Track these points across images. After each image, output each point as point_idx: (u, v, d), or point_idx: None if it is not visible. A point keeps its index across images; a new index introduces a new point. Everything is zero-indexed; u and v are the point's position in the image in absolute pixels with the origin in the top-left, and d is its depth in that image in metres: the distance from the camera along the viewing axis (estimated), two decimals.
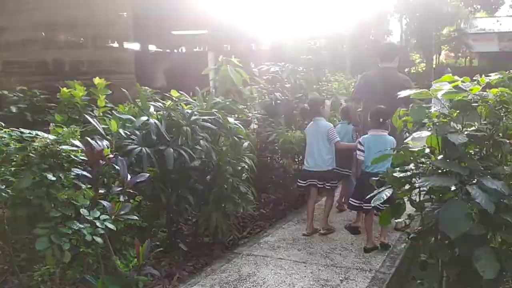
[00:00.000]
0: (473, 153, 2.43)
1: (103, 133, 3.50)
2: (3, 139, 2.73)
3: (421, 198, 2.54)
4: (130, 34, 8.46)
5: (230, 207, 4.39)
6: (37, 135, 2.77)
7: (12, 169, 2.65)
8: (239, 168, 4.43)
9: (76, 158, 2.84)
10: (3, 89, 4.98)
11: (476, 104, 2.32)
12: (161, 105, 4.21)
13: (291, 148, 5.67)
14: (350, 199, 4.69)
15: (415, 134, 2.33)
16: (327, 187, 4.95)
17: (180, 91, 4.58)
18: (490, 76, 2.44)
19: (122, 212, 3.07)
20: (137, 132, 3.84)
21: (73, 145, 2.89)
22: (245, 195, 4.48)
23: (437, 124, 2.33)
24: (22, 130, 2.83)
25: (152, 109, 4.08)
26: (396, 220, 3.15)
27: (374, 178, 2.71)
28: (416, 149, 2.47)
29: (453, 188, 2.22)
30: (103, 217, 2.90)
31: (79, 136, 3.07)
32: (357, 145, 4.67)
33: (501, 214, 2.01)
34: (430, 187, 2.27)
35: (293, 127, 5.97)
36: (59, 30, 6.84)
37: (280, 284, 3.71)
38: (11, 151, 2.68)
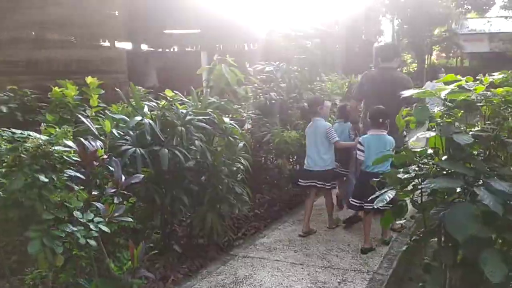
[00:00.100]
0: (476, 154, 2.39)
1: (96, 133, 3.42)
2: None
3: (423, 200, 2.49)
4: (122, 33, 8.36)
5: (225, 208, 4.33)
6: (29, 135, 2.70)
7: (3, 170, 2.57)
8: (235, 168, 4.37)
9: (69, 159, 2.78)
10: None
11: (481, 104, 2.28)
12: (155, 104, 4.15)
13: (286, 148, 5.62)
14: (351, 199, 4.69)
15: (419, 135, 2.28)
16: (327, 187, 4.97)
17: (174, 91, 4.52)
18: (493, 75, 2.41)
19: (116, 214, 3.01)
20: (131, 132, 3.77)
21: (66, 145, 2.82)
22: (241, 196, 4.43)
23: (441, 124, 2.28)
24: (13, 130, 2.75)
25: (146, 109, 4.02)
26: None
27: (375, 179, 2.67)
28: (419, 150, 2.43)
29: (458, 189, 2.17)
30: (97, 219, 2.84)
31: (71, 137, 3.00)
32: (356, 145, 4.70)
33: (508, 216, 1.97)
34: (433, 189, 2.22)
35: (288, 127, 5.92)
36: (50, 28, 6.73)
37: (277, 286, 3.66)
38: (2, 152, 2.60)
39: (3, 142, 2.65)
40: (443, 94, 2.22)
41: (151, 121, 3.80)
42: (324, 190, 5.04)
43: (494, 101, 2.28)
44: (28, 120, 4.55)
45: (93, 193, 3.00)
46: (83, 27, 7.10)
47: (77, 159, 2.83)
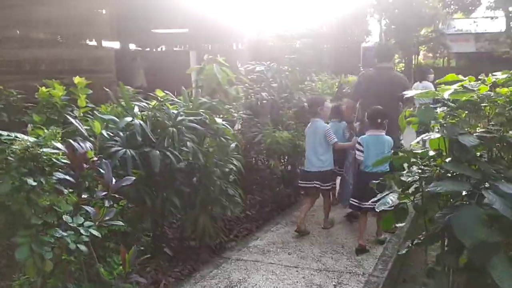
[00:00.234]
0: (479, 156, 2.34)
1: (86, 134, 3.33)
2: None
3: (423, 202, 2.44)
4: (109, 32, 8.25)
5: (217, 210, 4.27)
6: (16, 137, 2.60)
7: None
8: (227, 170, 4.30)
9: (57, 162, 2.68)
10: None
11: (484, 104, 2.23)
12: (146, 105, 4.06)
13: (278, 148, 5.57)
14: (351, 199, 4.71)
15: (424, 136, 2.23)
16: (324, 187, 4.98)
17: (164, 91, 4.44)
18: (495, 75, 2.36)
19: (106, 218, 2.93)
20: (121, 133, 3.69)
21: (54, 147, 2.72)
22: (233, 197, 4.36)
23: (445, 125, 2.23)
24: (0, 132, 2.65)
25: (136, 109, 3.93)
26: None
27: (374, 182, 2.62)
28: (420, 151, 2.38)
29: (464, 192, 2.12)
30: (87, 223, 2.76)
31: (60, 138, 2.91)
32: (353, 145, 4.77)
33: None
34: (437, 192, 2.16)
35: (280, 127, 5.86)
36: (36, 27, 6.60)
37: None
38: None
39: None
40: (446, 94, 2.17)
41: (141, 122, 3.72)
42: (323, 190, 5.04)
43: (499, 101, 2.24)
44: (14, 121, 4.43)
45: (83, 196, 2.92)
46: (69, 26, 6.98)
47: (66, 161, 2.74)
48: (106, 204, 2.92)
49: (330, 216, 5.16)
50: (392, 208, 2.41)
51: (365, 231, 4.53)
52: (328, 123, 5.35)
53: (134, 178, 3.17)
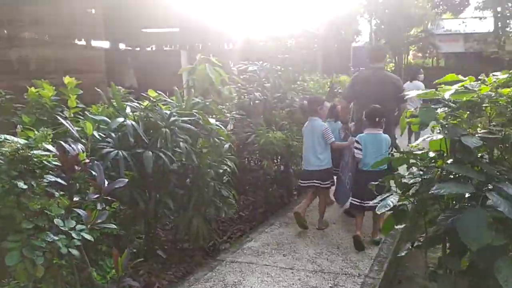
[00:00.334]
0: (480, 157, 2.31)
1: (77, 136, 3.26)
2: None
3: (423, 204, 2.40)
4: (99, 31, 8.15)
5: (211, 212, 4.21)
6: (6, 139, 2.52)
7: None
8: (221, 171, 4.24)
9: (48, 164, 2.62)
10: None
11: (486, 105, 2.20)
12: (138, 105, 3.99)
13: (272, 149, 5.52)
14: (352, 198, 4.79)
15: (426, 137, 2.19)
16: (323, 185, 5.03)
17: (157, 91, 4.37)
18: (496, 75, 2.33)
19: (99, 221, 2.87)
20: (113, 134, 3.62)
21: (45, 149, 2.66)
22: (227, 198, 4.31)
23: (446, 126, 2.20)
24: None
25: (128, 110, 3.86)
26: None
27: (373, 183, 2.59)
28: (419, 152, 2.34)
29: (467, 195, 2.09)
30: (79, 227, 2.70)
31: (51, 140, 2.83)
32: (350, 145, 4.87)
33: None
34: (437, 193, 2.12)
35: (273, 127, 5.81)
36: (25, 27, 6.50)
37: None
38: None
39: None
40: (447, 95, 2.14)
41: (133, 123, 3.65)
42: (323, 189, 5.08)
43: (500, 101, 2.21)
44: (3, 122, 4.33)
45: (74, 199, 2.85)
46: (58, 26, 6.88)
47: (57, 163, 2.67)
48: (99, 207, 2.87)
49: (325, 216, 5.13)
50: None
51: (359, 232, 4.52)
52: (324, 122, 5.33)
53: (127, 180, 3.11)
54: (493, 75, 2.35)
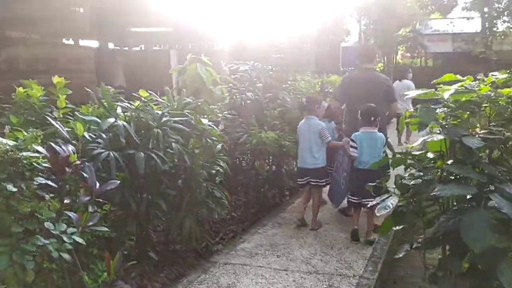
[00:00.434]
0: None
1: (67, 137, 3.19)
2: None
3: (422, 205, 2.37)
4: (87, 30, 8.07)
5: (204, 213, 4.16)
6: None
7: None
8: (213, 171, 4.19)
9: (38, 166, 2.55)
10: None
11: (485, 105, 2.18)
12: (129, 105, 3.93)
13: (264, 149, 5.48)
14: (349, 196, 4.83)
15: (426, 138, 2.16)
16: (320, 183, 5.08)
17: (149, 91, 4.30)
18: (495, 75, 2.31)
19: (90, 224, 2.81)
20: (104, 135, 3.55)
21: (35, 151, 2.59)
22: (219, 199, 4.26)
23: (446, 126, 2.17)
24: None
25: (119, 110, 3.79)
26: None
27: (370, 184, 2.56)
28: (418, 153, 2.31)
29: (468, 196, 2.06)
30: (70, 230, 2.64)
31: (40, 141, 2.77)
32: (345, 145, 4.94)
33: None
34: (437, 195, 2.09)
35: (265, 127, 5.77)
36: (12, 26, 6.40)
37: None
38: None
39: None
40: (446, 95, 2.11)
41: (125, 123, 3.59)
42: (319, 187, 5.11)
43: (500, 101, 2.18)
44: None
45: (65, 201, 2.79)
46: (46, 24, 6.79)
47: (48, 165, 2.61)
48: (90, 209, 2.80)
49: (318, 217, 5.10)
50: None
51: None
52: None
53: (119, 181, 3.06)
54: (492, 75, 2.33)
